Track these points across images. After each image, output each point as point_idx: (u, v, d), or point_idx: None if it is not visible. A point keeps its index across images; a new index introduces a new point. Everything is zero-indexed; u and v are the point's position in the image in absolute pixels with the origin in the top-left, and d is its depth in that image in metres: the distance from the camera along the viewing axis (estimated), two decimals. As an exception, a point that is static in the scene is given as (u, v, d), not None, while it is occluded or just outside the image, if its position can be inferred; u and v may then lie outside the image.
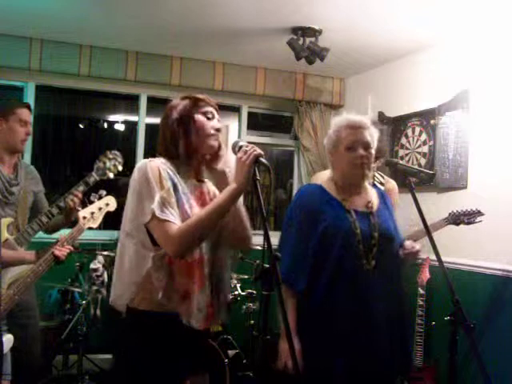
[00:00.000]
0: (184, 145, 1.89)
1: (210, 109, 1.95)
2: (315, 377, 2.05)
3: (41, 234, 2.93)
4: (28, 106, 2.97)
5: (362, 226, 2.14)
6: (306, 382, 1.95)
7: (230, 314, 2.01)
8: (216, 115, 1.96)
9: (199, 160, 1.93)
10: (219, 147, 1.92)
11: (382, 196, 2.32)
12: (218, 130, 1.93)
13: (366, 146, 2.14)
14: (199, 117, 1.92)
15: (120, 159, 2.96)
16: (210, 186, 2.01)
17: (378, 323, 2.08)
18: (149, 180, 1.78)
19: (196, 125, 1.90)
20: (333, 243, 2.10)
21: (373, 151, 2.17)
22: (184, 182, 1.88)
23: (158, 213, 1.74)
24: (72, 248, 2.64)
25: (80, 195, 2.84)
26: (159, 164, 1.83)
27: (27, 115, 2.92)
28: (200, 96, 1.98)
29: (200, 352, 1.93)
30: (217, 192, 1.98)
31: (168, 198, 1.78)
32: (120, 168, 2.96)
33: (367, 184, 2.29)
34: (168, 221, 1.75)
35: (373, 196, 2.27)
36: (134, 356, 1.83)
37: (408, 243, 2.21)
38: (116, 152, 2.97)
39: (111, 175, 2.92)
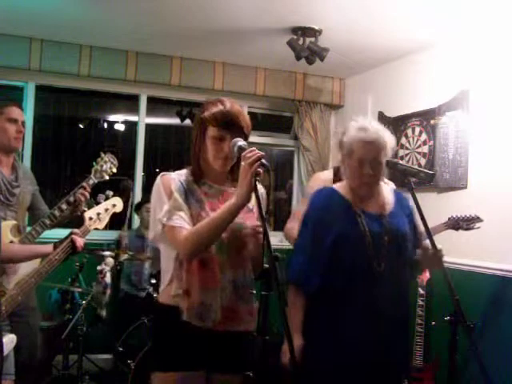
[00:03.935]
0: (197, 159, 2.00)
1: (221, 132, 1.91)
2: (321, 375, 2.09)
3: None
4: (17, 105, 2.96)
5: (373, 228, 2.14)
6: (312, 381, 2.01)
7: (254, 321, 2.00)
8: (228, 134, 1.91)
9: (216, 170, 1.99)
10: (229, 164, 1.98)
11: (399, 197, 2.28)
12: (224, 155, 1.93)
13: (375, 164, 2.12)
14: (208, 142, 1.94)
15: (115, 162, 2.99)
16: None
17: (383, 325, 2.09)
18: (160, 193, 1.95)
19: (204, 149, 1.96)
20: (344, 248, 2.12)
21: (384, 162, 2.14)
22: (208, 188, 1.99)
23: (164, 220, 1.90)
24: (84, 241, 2.65)
25: (89, 189, 2.85)
26: (171, 177, 1.97)
27: (17, 113, 2.91)
28: (215, 114, 1.92)
29: (216, 351, 1.93)
30: None
31: (176, 205, 1.91)
32: (114, 170, 3.00)
33: (382, 185, 2.27)
34: (175, 226, 1.89)
35: (387, 197, 2.25)
36: (153, 343, 2.08)
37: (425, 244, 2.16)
38: (111, 155, 3.00)
39: (107, 177, 2.96)
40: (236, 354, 1.98)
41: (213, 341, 1.91)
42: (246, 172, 1.74)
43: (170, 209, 1.90)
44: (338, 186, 2.28)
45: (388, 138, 2.15)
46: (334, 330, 2.11)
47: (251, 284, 2.02)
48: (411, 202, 2.27)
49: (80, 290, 3.88)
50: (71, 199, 2.82)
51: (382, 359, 2.09)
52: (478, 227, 3.32)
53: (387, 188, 2.30)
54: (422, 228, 2.19)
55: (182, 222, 1.89)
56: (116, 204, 2.81)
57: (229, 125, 1.90)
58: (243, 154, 1.76)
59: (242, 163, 1.76)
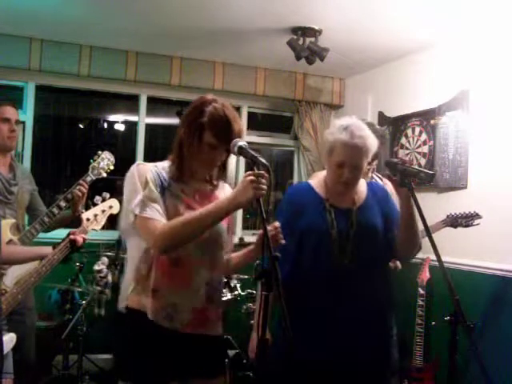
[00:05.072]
0: (182, 158, 1.90)
1: (217, 141, 1.82)
2: (290, 373, 2.02)
3: (41, 234, 2.93)
4: (11, 104, 2.98)
5: (340, 224, 2.15)
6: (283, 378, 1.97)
7: (222, 326, 1.99)
8: (223, 143, 1.83)
9: (197, 170, 1.94)
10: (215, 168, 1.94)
11: (373, 189, 2.27)
12: (214, 162, 1.90)
13: (354, 167, 2.10)
14: (203, 147, 1.85)
15: (112, 159, 3.01)
16: (221, 191, 2.02)
17: (352, 320, 2.08)
18: (135, 182, 1.86)
19: (194, 152, 1.87)
20: (308, 243, 2.14)
21: (363, 167, 2.13)
22: (185, 185, 1.90)
23: (137, 211, 1.80)
24: (86, 237, 2.65)
25: (86, 185, 2.86)
26: (148, 167, 1.90)
27: (10, 112, 2.94)
28: (216, 122, 1.83)
29: (187, 356, 1.86)
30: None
31: (150, 196, 1.82)
32: (112, 167, 3.01)
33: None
34: (149, 218, 1.79)
35: (360, 191, 2.24)
36: (121, 352, 1.95)
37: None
38: (108, 152, 3.01)
39: (104, 174, 2.98)
40: (209, 358, 1.92)
41: (181, 344, 1.84)
42: (248, 189, 1.67)
43: (144, 199, 1.81)
44: (313, 182, 2.29)
45: (370, 144, 2.11)
46: (298, 323, 2.03)
47: (222, 287, 2.00)
48: (391, 191, 2.25)
49: (80, 289, 3.89)
50: (69, 196, 2.84)
51: (349, 357, 2.07)
52: (478, 224, 3.32)
53: (361, 181, 2.26)
54: (421, 226, 2.18)
55: (156, 214, 1.79)
56: (112, 205, 2.83)
57: (226, 133, 1.82)
58: (246, 177, 1.70)
59: (247, 180, 1.68)
